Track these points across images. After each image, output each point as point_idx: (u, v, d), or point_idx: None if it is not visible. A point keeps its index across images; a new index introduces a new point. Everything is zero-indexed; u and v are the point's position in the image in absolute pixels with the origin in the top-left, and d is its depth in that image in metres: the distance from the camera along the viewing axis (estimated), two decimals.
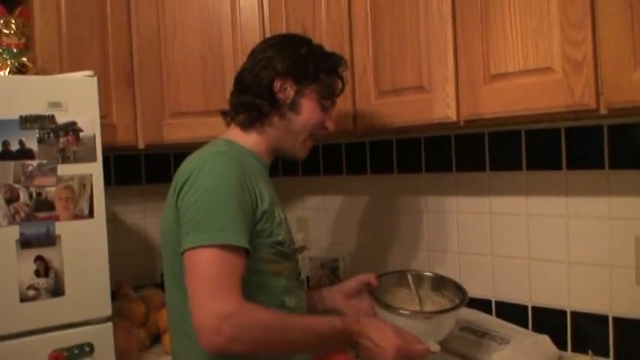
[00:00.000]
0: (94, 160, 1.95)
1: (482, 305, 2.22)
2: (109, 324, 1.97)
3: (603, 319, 1.94)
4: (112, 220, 2.70)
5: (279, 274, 1.63)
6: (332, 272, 2.63)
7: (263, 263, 1.59)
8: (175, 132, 2.39)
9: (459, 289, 1.89)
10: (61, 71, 2.17)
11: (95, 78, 1.98)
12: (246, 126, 1.72)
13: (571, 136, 1.99)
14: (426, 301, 1.94)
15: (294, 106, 1.70)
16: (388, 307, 1.79)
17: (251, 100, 1.69)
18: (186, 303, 1.47)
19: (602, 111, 1.55)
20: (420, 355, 1.61)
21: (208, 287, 1.42)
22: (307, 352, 1.62)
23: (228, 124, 1.77)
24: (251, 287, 1.52)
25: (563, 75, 1.58)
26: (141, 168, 2.82)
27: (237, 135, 1.72)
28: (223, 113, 1.78)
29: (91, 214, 1.94)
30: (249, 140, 1.71)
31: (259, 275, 1.58)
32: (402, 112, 1.96)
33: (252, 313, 1.44)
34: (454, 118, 1.82)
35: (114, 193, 2.71)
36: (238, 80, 1.75)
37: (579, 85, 1.56)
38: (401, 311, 1.76)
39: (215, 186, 1.50)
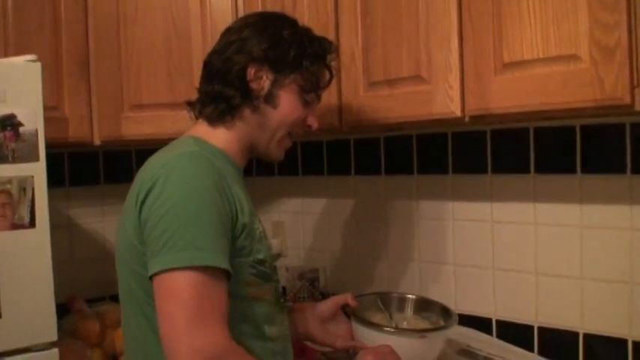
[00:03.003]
0: (37, 159, 1.69)
1: (482, 325, 2.01)
2: (55, 350, 1.72)
3: (621, 343, 1.74)
4: (68, 225, 2.52)
5: (261, 299, 1.39)
6: (311, 284, 2.41)
7: (243, 287, 1.35)
8: (135, 127, 2.16)
9: (446, 311, 1.74)
10: (6, 57, 1.92)
11: (39, 63, 1.73)
12: (214, 120, 1.47)
13: (587, 135, 1.78)
14: (402, 325, 1.79)
15: (270, 99, 1.46)
16: (374, 326, 1.64)
17: (220, 89, 1.45)
18: (149, 335, 1.24)
19: (638, 107, 1.33)
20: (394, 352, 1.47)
21: (189, 319, 1.18)
22: None
23: (196, 118, 1.52)
24: (231, 315, 1.28)
25: (591, 63, 1.36)
26: (99, 167, 2.61)
27: (205, 132, 1.47)
28: (189, 104, 1.52)
29: (32, 223, 1.68)
30: (220, 138, 1.46)
31: (239, 301, 1.35)
32: (397, 106, 1.74)
33: (242, 357, 1.23)
34: (458, 113, 1.60)
35: (69, 195, 2.53)
36: (206, 65, 1.51)
37: (611, 76, 1.34)
38: (386, 329, 1.63)
39: (188, 195, 1.26)
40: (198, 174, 1.28)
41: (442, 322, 1.72)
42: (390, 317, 1.79)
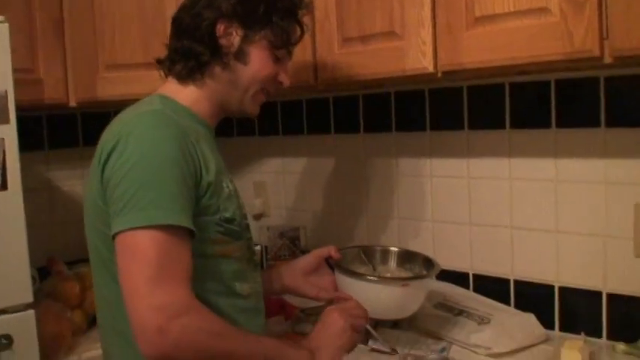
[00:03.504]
0: (7, 121, 1.67)
1: (459, 279, 2.02)
2: (30, 312, 1.71)
3: (596, 295, 1.76)
4: (47, 188, 2.51)
5: (229, 257, 1.38)
6: (292, 242, 2.41)
7: (210, 245, 1.34)
8: (111, 87, 2.13)
9: (429, 262, 1.76)
10: None
11: (7, 24, 1.69)
12: (183, 78, 1.45)
13: (562, 89, 1.77)
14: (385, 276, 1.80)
15: (240, 55, 1.43)
16: (356, 275, 1.66)
17: (189, 46, 1.42)
18: (118, 296, 1.22)
19: (607, 59, 1.34)
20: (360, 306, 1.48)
21: (150, 278, 1.17)
22: None
23: (166, 76, 1.50)
24: (196, 274, 1.28)
25: (561, 17, 1.36)
26: (77, 129, 2.59)
27: (174, 90, 1.45)
28: (158, 62, 1.50)
29: (4, 186, 1.66)
30: (188, 96, 1.44)
31: (205, 259, 1.34)
32: (370, 62, 1.72)
33: (205, 315, 1.22)
34: (431, 68, 1.59)
35: (48, 158, 2.51)
36: (175, 21, 1.49)
37: (580, 29, 1.33)
38: (369, 277, 1.66)
39: (150, 153, 1.24)
40: (159, 132, 1.27)
41: (425, 273, 1.74)
42: (374, 269, 1.81)
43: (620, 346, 1.65)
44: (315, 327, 1.42)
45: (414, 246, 1.99)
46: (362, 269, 1.80)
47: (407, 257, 1.84)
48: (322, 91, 2.23)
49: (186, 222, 1.22)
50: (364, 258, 1.83)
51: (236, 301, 1.38)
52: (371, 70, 1.72)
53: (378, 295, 1.63)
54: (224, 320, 1.25)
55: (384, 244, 2.13)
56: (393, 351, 1.55)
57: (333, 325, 1.40)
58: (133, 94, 2.00)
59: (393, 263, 1.84)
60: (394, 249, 1.88)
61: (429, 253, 1.85)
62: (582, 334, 1.68)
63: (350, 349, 1.41)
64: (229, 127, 2.72)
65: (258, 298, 1.47)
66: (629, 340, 1.66)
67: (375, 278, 1.69)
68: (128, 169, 1.23)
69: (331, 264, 1.70)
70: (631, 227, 1.67)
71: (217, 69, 1.44)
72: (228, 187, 1.39)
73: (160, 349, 1.15)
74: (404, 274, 1.80)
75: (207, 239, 1.33)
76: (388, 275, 1.79)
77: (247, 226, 1.48)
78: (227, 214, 1.36)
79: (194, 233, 1.25)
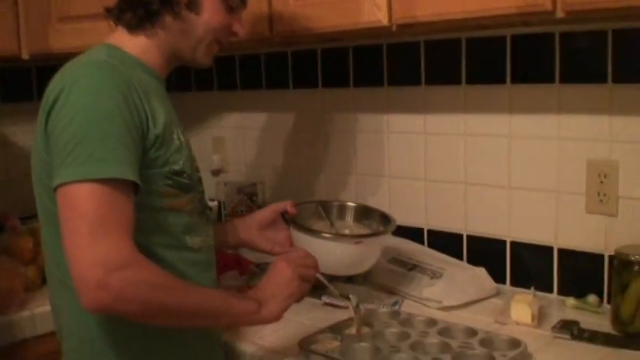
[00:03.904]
0: None
1: (414, 234, 2.04)
2: None
3: (547, 250, 1.79)
4: (2, 144, 2.48)
5: (179, 210, 1.36)
6: (250, 198, 2.40)
7: (158, 198, 1.32)
8: (64, 39, 2.07)
9: (386, 218, 1.76)
10: None
11: None
12: (133, 28, 1.41)
13: (517, 45, 1.77)
14: (343, 232, 1.80)
15: (192, 5, 1.39)
16: (310, 231, 1.66)
17: None
18: (60, 247, 1.19)
19: (559, 14, 1.33)
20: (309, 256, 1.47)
21: (91, 232, 1.14)
22: (197, 326, 1.37)
23: (116, 26, 1.46)
24: (144, 227, 1.26)
25: None
26: (32, 83, 2.54)
27: (122, 39, 1.41)
28: (107, 11, 1.46)
29: None
30: (137, 46, 1.40)
31: (154, 212, 1.32)
32: (326, 15, 1.69)
33: (148, 268, 1.19)
34: (385, 22, 1.57)
35: (1, 113, 2.47)
36: None
37: None
38: (324, 234, 1.66)
39: (92, 105, 1.21)
40: (103, 83, 1.23)
41: (381, 229, 1.74)
42: (332, 225, 1.80)
43: (570, 301, 1.68)
44: (264, 277, 1.42)
45: (372, 202, 1.99)
46: (319, 224, 1.80)
47: (364, 213, 1.84)
48: (279, 45, 2.21)
49: (128, 174, 1.19)
50: (322, 213, 1.82)
51: (186, 254, 1.37)
52: (326, 23, 1.70)
53: (331, 252, 1.64)
54: (169, 273, 1.24)
55: (342, 199, 2.13)
56: (346, 299, 1.56)
57: (280, 274, 1.39)
58: (86, 46, 1.94)
59: (350, 219, 1.84)
60: (351, 204, 1.88)
61: (386, 209, 1.86)
62: (532, 288, 1.70)
63: (298, 298, 1.41)
64: (187, 81, 2.68)
65: (210, 252, 1.46)
66: (579, 295, 1.69)
67: (329, 235, 1.69)
68: (70, 120, 1.20)
69: (287, 219, 1.69)
70: (583, 183, 1.69)
71: (168, 19, 1.40)
72: (178, 139, 1.37)
73: (101, 303, 1.14)
74: (362, 230, 1.80)
75: (156, 192, 1.31)
76: (346, 231, 1.79)
77: (199, 180, 1.46)
78: (176, 167, 1.33)
79: (139, 186, 1.23)
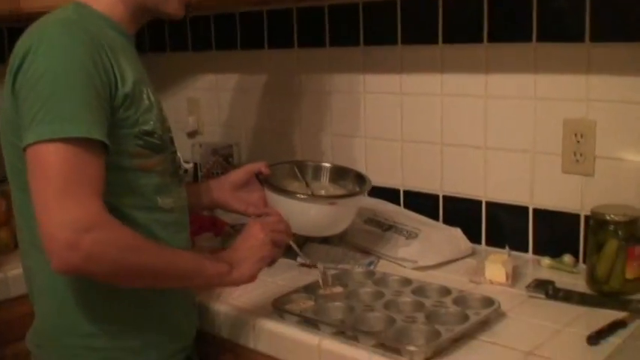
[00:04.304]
0: None
1: (390, 195, 2.03)
2: None
3: (523, 210, 1.78)
4: None
5: (150, 171, 1.33)
6: (225, 160, 2.38)
7: (128, 158, 1.29)
8: None
9: (362, 178, 1.76)
10: None
11: None
12: None
13: (495, 3, 1.75)
14: (319, 193, 1.79)
15: None
16: (284, 192, 1.65)
17: None
18: (30, 209, 1.17)
19: None
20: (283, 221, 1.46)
21: (59, 192, 1.12)
22: (168, 287, 1.36)
23: None
24: (114, 188, 1.24)
25: None
26: (3, 43, 2.50)
27: None
28: None
29: None
30: (103, 2, 1.36)
31: (124, 173, 1.29)
32: None
33: (118, 229, 1.18)
34: None
35: None
36: None
37: None
38: (298, 195, 1.65)
39: (59, 64, 1.17)
40: (69, 42, 1.20)
41: (357, 190, 1.73)
42: (307, 185, 1.79)
43: (546, 261, 1.69)
44: (236, 240, 1.41)
45: (348, 162, 1.98)
46: (294, 185, 1.78)
47: (339, 173, 1.83)
48: (255, 4, 2.17)
49: (96, 134, 1.16)
50: (298, 173, 1.80)
51: (158, 215, 1.35)
52: None
53: (306, 213, 1.63)
54: (140, 234, 1.22)
55: (318, 160, 2.09)
56: (313, 267, 1.56)
57: (253, 237, 1.38)
58: (57, 6, 1.94)
59: (325, 179, 1.83)
60: (327, 165, 1.86)
61: (362, 170, 1.85)
62: (507, 248, 1.70)
63: (270, 262, 1.40)
64: (161, 42, 2.64)
65: (183, 213, 1.44)
66: (554, 255, 1.69)
67: (304, 196, 1.67)
68: (36, 80, 1.17)
69: (261, 180, 1.68)
70: (559, 143, 1.68)
71: None
72: (148, 98, 1.33)
73: (71, 264, 1.12)
74: (337, 190, 1.78)
75: (126, 152, 1.28)
76: (322, 192, 1.78)
77: (171, 140, 1.43)
78: (147, 127, 1.30)
79: (108, 146, 1.20)
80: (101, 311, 1.31)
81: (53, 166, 1.13)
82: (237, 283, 1.37)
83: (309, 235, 1.73)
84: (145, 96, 1.32)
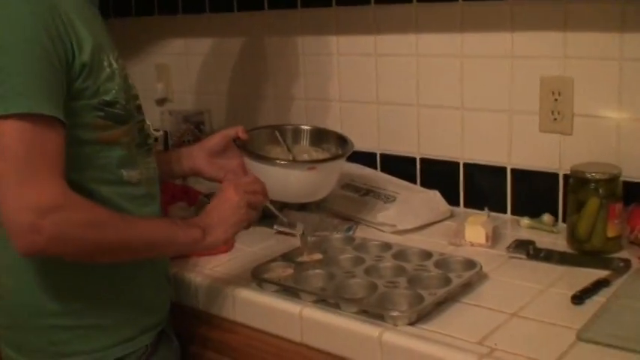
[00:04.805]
0: None
1: (367, 159, 1.99)
2: None
3: (501, 171, 1.76)
4: None
5: (114, 143, 1.27)
6: (196, 127, 2.32)
7: (89, 131, 1.22)
8: None
9: (343, 140, 1.72)
10: None
11: None
12: None
13: None
14: (301, 157, 1.74)
15: None
16: (263, 159, 1.61)
17: None
18: None
19: None
20: (258, 181, 1.41)
21: (17, 172, 1.07)
22: (142, 258, 1.31)
23: None
24: (76, 163, 1.19)
25: None
26: None
27: None
28: None
29: None
30: None
31: (85, 146, 1.23)
32: None
33: (81, 207, 1.13)
34: None
35: None
36: None
37: None
38: (278, 161, 1.61)
39: (10, 36, 1.11)
40: (22, 12, 1.12)
41: (339, 153, 1.69)
42: (289, 150, 1.75)
43: (525, 221, 1.67)
44: (210, 203, 1.36)
45: (323, 126, 1.94)
46: (276, 150, 1.74)
47: (320, 136, 1.79)
48: None
49: (49, 109, 1.10)
50: (279, 137, 1.76)
51: (124, 189, 1.29)
52: None
53: (285, 179, 1.59)
54: (106, 209, 1.18)
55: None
56: (292, 234, 1.53)
57: (227, 200, 1.33)
58: None
59: (306, 142, 1.79)
60: (306, 127, 1.82)
61: None
62: (486, 209, 1.69)
63: (246, 226, 1.36)
64: (127, 6, 2.55)
65: (151, 185, 1.38)
66: (533, 215, 1.68)
67: (284, 162, 1.63)
68: None
69: (239, 145, 1.63)
70: (536, 101, 1.66)
71: None
72: (109, 66, 1.26)
73: (35, 247, 1.08)
74: (320, 154, 1.75)
75: (86, 125, 1.21)
76: (305, 156, 1.74)
77: (137, 108, 1.37)
78: (108, 97, 1.24)
79: (64, 121, 1.14)
80: (66, 289, 1.26)
81: (8, 144, 1.08)
82: (211, 248, 1.35)
83: (290, 201, 1.69)
84: (105, 64, 1.25)
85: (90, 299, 1.28)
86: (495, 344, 1.12)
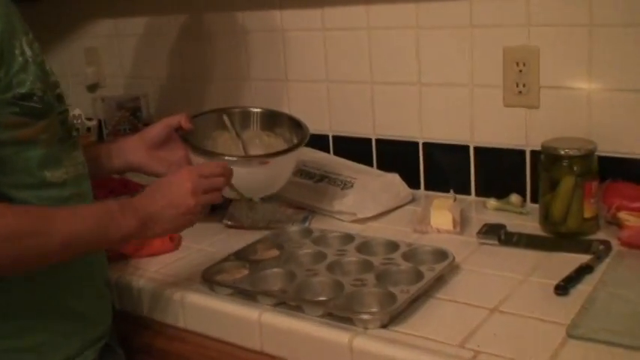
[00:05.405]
0: None
1: (318, 142, 1.86)
2: None
3: (463, 149, 1.66)
4: None
5: (33, 141, 1.11)
6: (132, 114, 2.16)
7: (3, 131, 1.07)
8: None
9: (297, 124, 1.60)
10: None
11: None
12: None
13: None
14: (253, 143, 1.62)
15: None
16: (209, 154, 1.47)
17: None
18: None
19: None
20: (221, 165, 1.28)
21: None
22: (76, 254, 1.15)
23: None
24: None
25: None
26: None
27: None
28: None
29: None
30: None
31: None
32: None
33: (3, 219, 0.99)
34: None
35: None
36: None
37: None
38: (226, 157, 1.45)
39: None
40: None
41: (295, 139, 1.56)
42: (237, 136, 1.61)
43: (491, 202, 1.58)
44: (156, 183, 1.21)
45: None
46: (224, 136, 1.61)
47: (272, 119, 1.66)
48: None
49: None
50: (227, 122, 1.62)
51: (47, 192, 1.13)
52: None
53: (235, 177, 1.43)
54: (28, 214, 1.03)
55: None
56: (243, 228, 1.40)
57: (177, 186, 1.17)
58: None
59: (256, 127, 1.65)
60: (256, 110, 1.67)
61: None
62: (451, 191, 1.58)
63: (193, 221, 1.21)
64: None
65: (79, 183, 1.21)
66: (499, 195, 1.59)
67: (233, 158, 1.47)
68: None
69: (182, 136, 1.49)
70: (500, 74, 1.56)
71: None
72: (22, 54, 1.10)
73: None
74: (272, 140, 1.62)
75: None
76: (256, 142, 1.61)
77: (58, 98, 1.20)
78: (22, 90, 1.07)
79: None
80: None
81: None
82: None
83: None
84: (17, 52, 1.09)
85: (19, 318, 1.13)
86: (478, 346, 1.01)
